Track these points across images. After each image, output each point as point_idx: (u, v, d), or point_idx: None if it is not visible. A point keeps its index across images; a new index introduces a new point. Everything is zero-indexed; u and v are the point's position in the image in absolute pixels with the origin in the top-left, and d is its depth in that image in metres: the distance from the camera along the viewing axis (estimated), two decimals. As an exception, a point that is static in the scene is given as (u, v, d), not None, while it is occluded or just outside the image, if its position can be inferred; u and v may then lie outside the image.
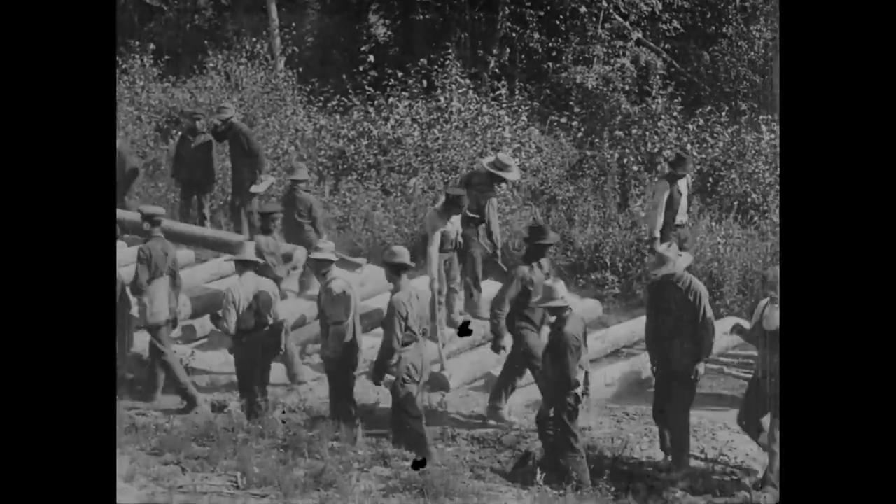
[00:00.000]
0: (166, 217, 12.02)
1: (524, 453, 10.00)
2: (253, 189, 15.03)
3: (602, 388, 11.44)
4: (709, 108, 18.83)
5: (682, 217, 13.54)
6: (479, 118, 18.23)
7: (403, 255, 10.18)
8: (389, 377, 10.15)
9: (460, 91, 18.66)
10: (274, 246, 12.26)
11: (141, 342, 11.31)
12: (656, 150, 17.47)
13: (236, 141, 15.17)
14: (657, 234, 13.30)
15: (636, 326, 12.56)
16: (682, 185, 13.53)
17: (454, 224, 12.48)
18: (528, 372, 10.91)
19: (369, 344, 11.22)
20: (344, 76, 20.36)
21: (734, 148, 17.13)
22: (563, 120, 19.26)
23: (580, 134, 18.88)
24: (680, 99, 18.87)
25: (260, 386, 10.47)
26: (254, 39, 21.42)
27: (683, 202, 13.54)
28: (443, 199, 12.53)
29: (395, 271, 10.12)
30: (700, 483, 9.87)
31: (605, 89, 19.78)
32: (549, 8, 21.26)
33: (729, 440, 10.50)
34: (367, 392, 10.91)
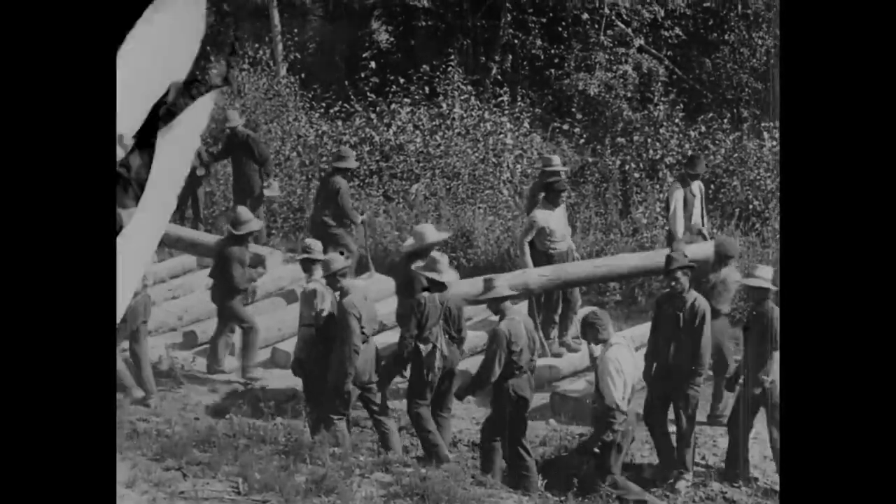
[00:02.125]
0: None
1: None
2: (267, 193, 15.04)
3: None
4: (711, 115, 18.85)
5: (696, 220, 13.47)
6: (482, 125, 18.26)
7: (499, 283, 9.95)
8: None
9: (462, 97, 18.68)
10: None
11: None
12: (658, 156, 17.48)
13: (242, 148, 15.15)
14: (680, 236, 13.24)
15: (635, 333, 12.57)
16: (696, 187, 13.48)
17: (559, 219, 12.38)
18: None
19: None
20: (346, 82, 20.40)
21: (736, 155, 17.15)
22: (565, 127, 19.28)
23: (582, 140, 18.90)
24: (682, 106, 18.89)
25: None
26: (256, 46, 21.46)
27: (698, 204, 13.47)
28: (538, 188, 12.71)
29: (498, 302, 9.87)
30: (700, 490, 9.87)
31: (607, 96, 19.80)
32: (551, 15, 21.29)
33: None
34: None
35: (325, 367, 10.01)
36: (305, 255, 10.63)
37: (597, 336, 9.35)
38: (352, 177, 16.89)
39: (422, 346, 9.96)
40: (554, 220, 12.21)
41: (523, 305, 11.81)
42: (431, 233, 11.18)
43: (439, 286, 10.07)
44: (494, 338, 9.54)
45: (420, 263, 10.49)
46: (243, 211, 12.14)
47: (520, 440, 9.73)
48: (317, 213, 13.77)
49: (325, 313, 10.12)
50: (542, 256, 12.09)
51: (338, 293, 10.12)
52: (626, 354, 9.28)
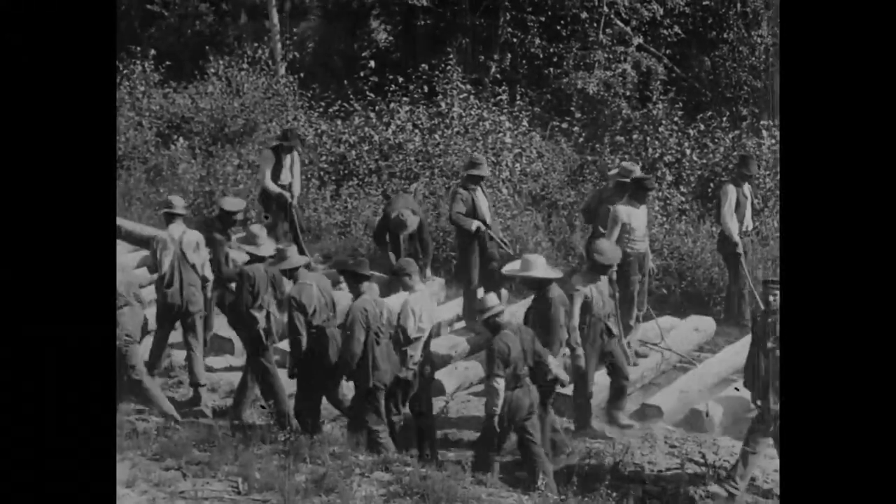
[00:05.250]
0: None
1: None
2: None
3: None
4: (710, 113, 18.83)
5: (748, 223, 13.42)
6: (480, 123, 18.24)
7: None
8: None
9: (461, 96, 18.67)
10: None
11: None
12: (657, 155, 17.46)
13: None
14: (737, 239, 13.19)
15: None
16: (747, 188, 13.41)
17: (641, 217, 12.23)
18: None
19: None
20: (345, 81, 20.40)
21: (735, 153, 17.12)
22: (564, 125, 19.27)
23: (581, 139, 18.89)
24: (681, 104, 18.88)
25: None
26: (255, 45, 21.46)
27: (749, 206, 13.39)
28: (623, 181, 12.47)
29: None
30: (701, 488, 9.87)
31: (605, 94, 19.80)
32: (550, 13, 21.29)
33: (730, 445, 10.50)
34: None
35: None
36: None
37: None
38: (351, 176, 16.84)
39: (257, 314, 10.56)
40: (636, 217, 12.15)
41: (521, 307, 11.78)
42: (541, 266, 10.51)
43: (259, 259, 10.79)
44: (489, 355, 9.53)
45: None
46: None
47: (524, 435, 9.70)
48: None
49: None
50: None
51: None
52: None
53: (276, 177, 14.30)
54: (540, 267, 10.26)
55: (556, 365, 9.88)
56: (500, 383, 9.33)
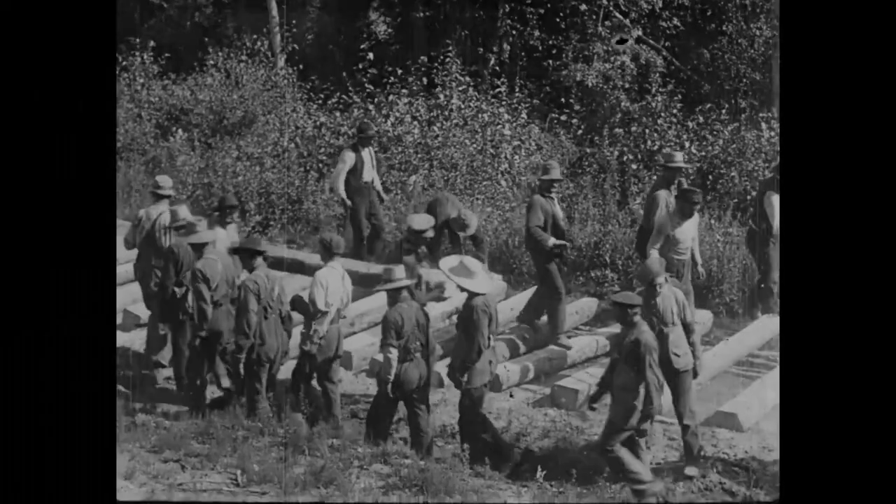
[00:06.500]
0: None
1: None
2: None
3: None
4: (709, 105, 18.81)
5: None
6: (479, 115, 18.22)
7: None
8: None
9: (460, 88, 18.64)
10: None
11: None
12: (656, 147, 17.45)
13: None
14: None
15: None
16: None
17: (689, 229, 12.13)
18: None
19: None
20: (344, 73, 20.36)
21: (734, 146, 17.11)
22: (563, 117, 19.25)
23: (580, 131, 18.88)
24: (680, 96, 18.86)
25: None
26: (254, 37, 21.42)
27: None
28: (673, 196, 12.31)
29: None
30: (700, 481, 9.88)
31: (604, 87, 19.77)
32: (549, 5, 21.25)
33: (729, 438, 10.51)
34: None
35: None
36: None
37: None
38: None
39: (177, 290, 11.02)
40: (683, 230, 12.05)
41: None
42: (477, 273, 10.46)
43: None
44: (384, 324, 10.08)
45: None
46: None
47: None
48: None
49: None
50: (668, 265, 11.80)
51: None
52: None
53: (359, 174, 14.45)
54: (475, 274, 10.24)
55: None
56: (392, 353, 9.87)
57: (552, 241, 12.38)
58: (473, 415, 10.07)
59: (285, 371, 10.84)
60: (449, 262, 10.56)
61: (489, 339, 10.06)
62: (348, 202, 14.66)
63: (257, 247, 10.59)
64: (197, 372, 10.74)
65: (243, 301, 10.27)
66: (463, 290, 10.15)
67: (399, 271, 10.19)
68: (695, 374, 10.28)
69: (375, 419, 10.11)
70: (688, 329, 10.23)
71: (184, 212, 11.56)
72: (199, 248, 10.82)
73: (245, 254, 10.55)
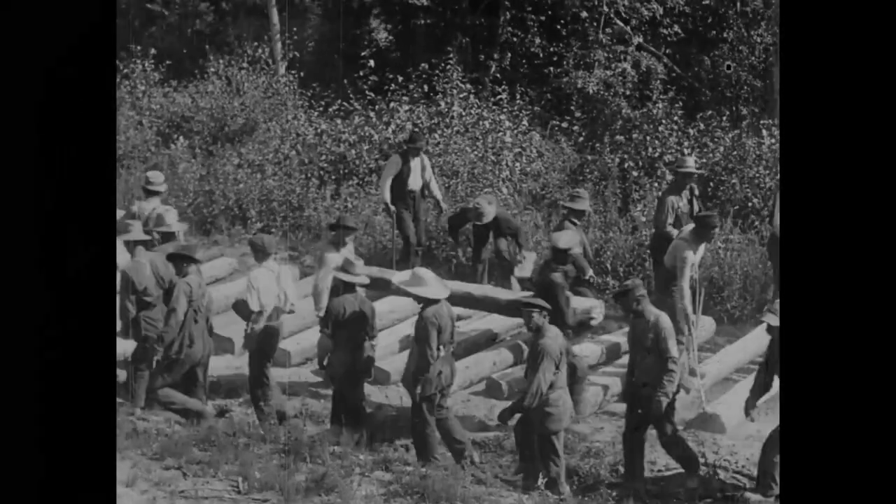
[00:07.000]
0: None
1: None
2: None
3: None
4: (709, 112, 18.83)
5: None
6: (480, 123, 18.24)
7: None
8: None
9: (461, 96, 18.66)
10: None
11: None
12: (657, 154, 17.47)
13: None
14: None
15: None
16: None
17: (703, 252, 12.15)
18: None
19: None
20: (345, 81, 20.38)
21: (735, 153, 17.12)
22: (564, 124, 19.27)
23: (581, 138, 18.89)
24: (681, 103, 18.88)
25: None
26: (255, 44, 21.47)
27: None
28: (690, 224, 12.23)
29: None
30: (701, 489, 9.87)
31: (605, 94, 19.79)
32: (550, 13, 21.27)
33: (731, 444, 10.51)
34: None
35: None
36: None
37: None
38: (351, 175, 16.87)
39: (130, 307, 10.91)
40: (699, 254, 12.06)
41: None
42: (429, 282, 10.40)
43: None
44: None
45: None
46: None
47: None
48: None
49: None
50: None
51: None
52: None
53: (404, 182, 14.48)
54: (427, 283, 10.25)
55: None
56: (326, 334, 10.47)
57: (590, 271, 12.62)
58: (423, 421, 10.09)
59: (280, 376, 11.02)
60: (400, 276, 10.78)
61: (438, 350, 10.03)
62: (392, 207, 14.61)
63: (193, 254, 10.63)
64: (187, 392, 10.65)
65: (175, 298, 10.29)
66: (418, 300, 10.16)
67: (359, 266, 10.53)
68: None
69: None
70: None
71: (171, 217, 11.56)
72: (179, 264, 10.59)
73: (179, 260, 10.54)
